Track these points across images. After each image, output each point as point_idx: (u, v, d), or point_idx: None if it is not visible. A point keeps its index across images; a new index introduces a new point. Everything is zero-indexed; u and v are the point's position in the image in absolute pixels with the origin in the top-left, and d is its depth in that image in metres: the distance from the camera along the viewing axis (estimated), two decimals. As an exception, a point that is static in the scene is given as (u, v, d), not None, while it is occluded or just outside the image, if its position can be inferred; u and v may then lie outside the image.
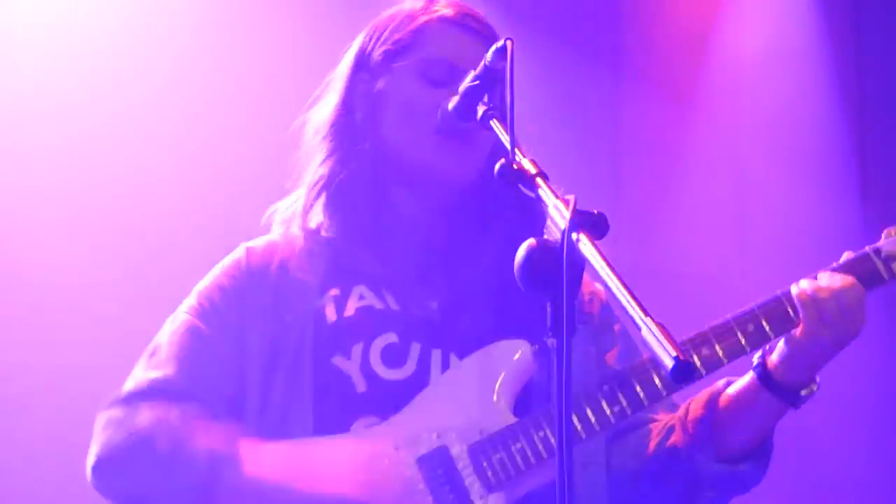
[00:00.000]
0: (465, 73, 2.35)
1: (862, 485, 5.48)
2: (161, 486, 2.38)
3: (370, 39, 2.62)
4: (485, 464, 2.38)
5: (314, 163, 2.61)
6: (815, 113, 5.69)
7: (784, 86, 5.65)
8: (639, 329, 1.73)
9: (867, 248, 2.47)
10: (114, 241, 4.26)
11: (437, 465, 2.39)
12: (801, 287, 2.41)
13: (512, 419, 2.42)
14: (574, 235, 1.83)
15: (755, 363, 2.48)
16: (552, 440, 2.37)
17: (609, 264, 1.80)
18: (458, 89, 2.34)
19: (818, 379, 2.46)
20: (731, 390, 2.51)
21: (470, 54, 2.49)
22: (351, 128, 2.59)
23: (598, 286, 2.61)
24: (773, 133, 5.62)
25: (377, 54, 2.59)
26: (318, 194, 2.60)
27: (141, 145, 4.34)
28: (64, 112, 4.26)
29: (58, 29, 4.32)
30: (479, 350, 2.47)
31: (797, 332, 2.41)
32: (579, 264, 1.83)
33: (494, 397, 2.44)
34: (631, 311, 1.75)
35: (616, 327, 2.63)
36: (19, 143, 4.22)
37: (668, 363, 1.68)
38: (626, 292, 1.77)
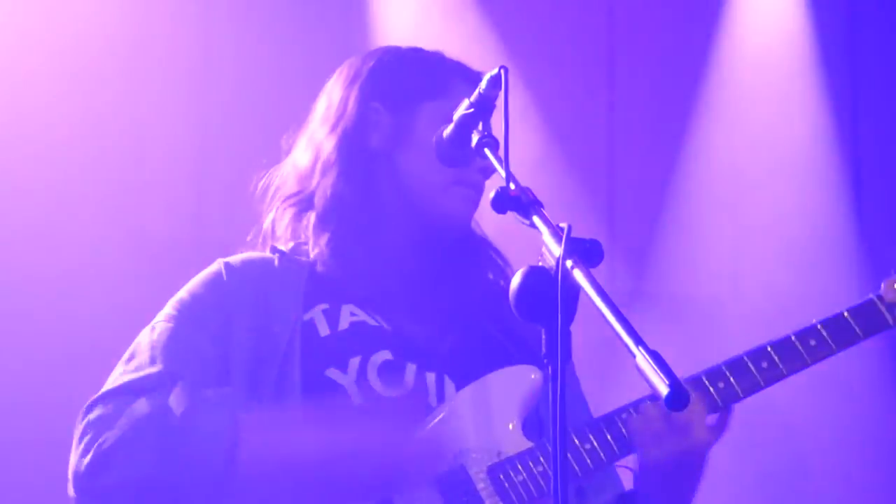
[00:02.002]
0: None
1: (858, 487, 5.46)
2: (176, 460, 2.26)
3: (384, 71, 2.63)
4: (506, 485, 2.38)
5: (317, 180, 2.60)
6: (812, 136, 5.67)
7: (781, 107, 5.64)
8: (634, 357, 1.73)
9: (871, 295, 2.53)
10: (103, 242, 4.31)
11: (456, 485, 2.38)
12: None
13: (528, 443, 2.42)
14: (569, 263, 1.84)
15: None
16: (575, 465, 2.39)
17: (603, 292, 1.80)
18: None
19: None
20: None
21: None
22: (363, 153, 2.58)
23: None
24: (770, 155, 5.59)
25: (401, 89, 2.60)
26: (313, 210, 2.59)
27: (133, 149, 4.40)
28: (60, 112, 4.30)
29: (50, 28, 4.37)
30: (489, 374, 2.46)
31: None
32: (574, 292, 1.83)
33: (510, 421, 2.44)
34: (625, 339, 1.75)
35: (573, 370, 2.65)
36: (16, 143, 4.28)
37: (663, 391, 1.68)
38: (620, 320, 1.77)
